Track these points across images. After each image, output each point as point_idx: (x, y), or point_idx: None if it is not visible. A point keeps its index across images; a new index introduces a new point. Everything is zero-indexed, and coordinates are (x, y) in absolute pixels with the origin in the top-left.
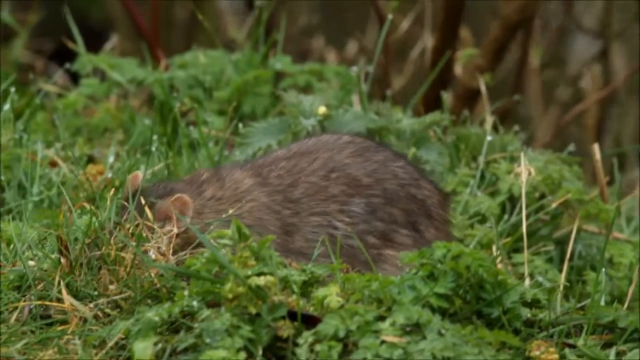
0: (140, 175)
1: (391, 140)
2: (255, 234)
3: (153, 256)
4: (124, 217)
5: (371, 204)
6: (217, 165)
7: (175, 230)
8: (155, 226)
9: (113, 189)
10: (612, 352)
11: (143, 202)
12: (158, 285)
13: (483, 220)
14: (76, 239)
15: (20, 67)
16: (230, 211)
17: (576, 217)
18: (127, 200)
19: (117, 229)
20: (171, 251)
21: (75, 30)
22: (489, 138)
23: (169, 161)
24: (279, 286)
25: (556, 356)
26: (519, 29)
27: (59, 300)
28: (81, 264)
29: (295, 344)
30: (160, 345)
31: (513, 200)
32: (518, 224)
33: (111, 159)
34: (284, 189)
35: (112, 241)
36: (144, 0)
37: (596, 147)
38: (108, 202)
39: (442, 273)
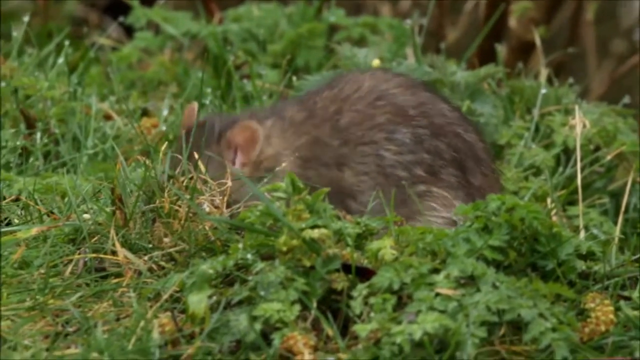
0: (196, 106)
1: (445, 93)
2: (311, 169)
3: (207, 209)
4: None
5: (417, 135)
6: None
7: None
8: (208, 178)
9: (167, 142)
10: None
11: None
12: (212, 238)
13: (537, 172)
14: (131, 192)
15: (74, 21)
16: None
17: (631, 169)
18: (187, 133)
19: (171, 182)
20: (225, 204)
21: None
22: (543, 91)
23: None
24: (333, 239)
25: (611, 308)
26: None
27: (114, 253)
28: (135, 217)
29: (350, 297)
30: (214, 297)
31: (568, 152)
32: (573, 177)
33: (165, 112)
34: (330, 117)
35: (166, 194)
36: None
37: None
38: (161, 155)
39: (496, 225)
